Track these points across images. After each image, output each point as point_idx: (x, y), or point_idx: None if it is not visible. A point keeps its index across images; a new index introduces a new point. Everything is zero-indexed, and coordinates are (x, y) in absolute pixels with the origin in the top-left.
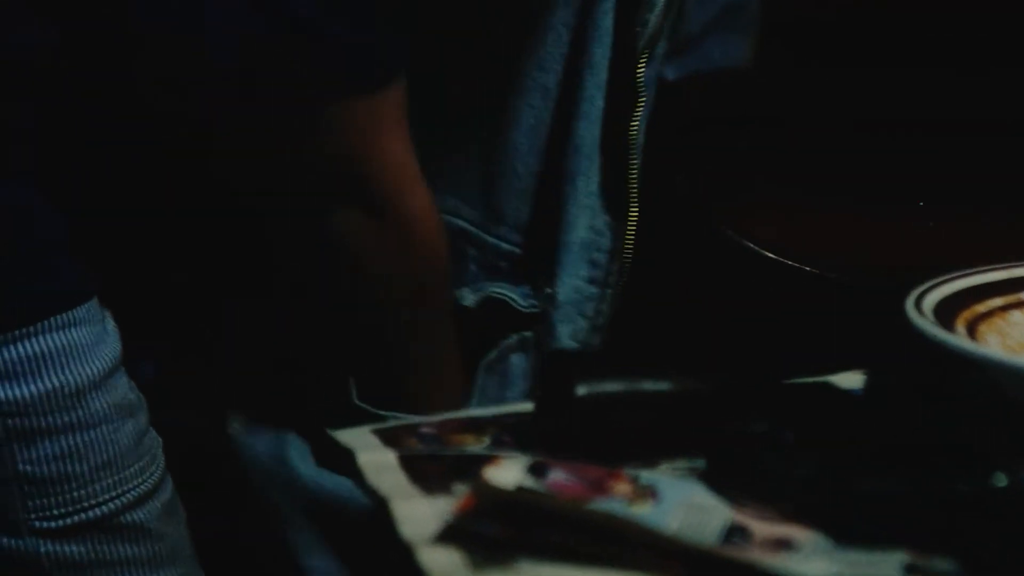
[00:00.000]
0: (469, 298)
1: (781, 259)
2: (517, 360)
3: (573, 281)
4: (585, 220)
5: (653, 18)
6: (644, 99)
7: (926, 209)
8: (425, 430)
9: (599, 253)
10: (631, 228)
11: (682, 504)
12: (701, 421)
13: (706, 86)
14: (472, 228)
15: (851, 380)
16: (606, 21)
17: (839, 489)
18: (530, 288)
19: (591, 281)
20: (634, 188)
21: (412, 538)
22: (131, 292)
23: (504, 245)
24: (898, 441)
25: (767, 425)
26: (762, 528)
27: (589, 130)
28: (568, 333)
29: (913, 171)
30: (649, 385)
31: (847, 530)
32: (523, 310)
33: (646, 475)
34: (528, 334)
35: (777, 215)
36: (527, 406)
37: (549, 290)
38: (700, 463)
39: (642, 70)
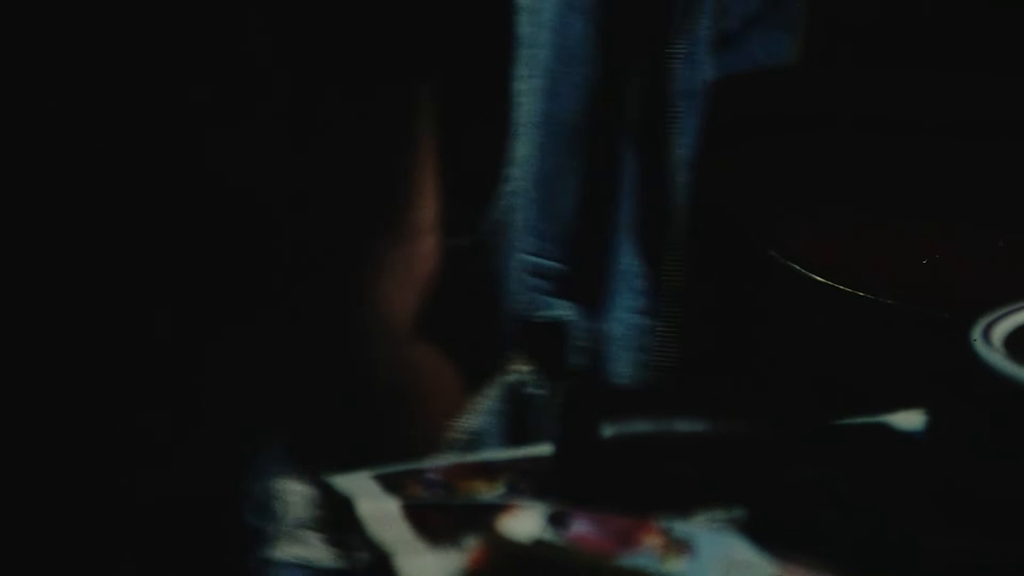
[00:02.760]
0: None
1: (831, 283)
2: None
3: (621, 314)
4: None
5: None
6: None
7: (996, 229)
8: (431, 475)
9: (639, 279)
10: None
11: (721, 560)
12: (741, 466)
13: (747, 86)
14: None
15: (910, 420)
16: None
17: (899, 546)
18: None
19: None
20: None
21: None
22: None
23: (546, 262)
24: (965, 491)
25: (816, 471)
26: None
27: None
28: (627, 371)
29: (981, 184)
30: (683, 425)
31: None
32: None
33: (680, 527)
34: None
35: (826, 234)
36: (545, 448)
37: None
38: (740, 514)
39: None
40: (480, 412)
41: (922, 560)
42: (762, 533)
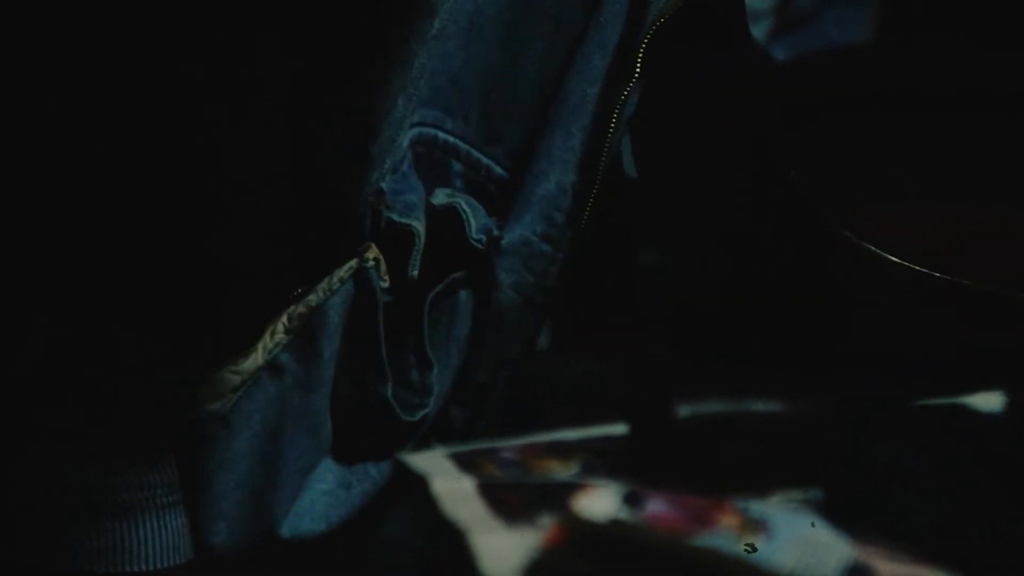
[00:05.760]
0: (439, 197)
1: (907, 264)
2: (465, 296)
3: (524, 233)
4: (555, 175)
5: None
6: (638, 74)
7: None
8: (505, 454)
9: (557, 212)
10: (591, 198)
11: (797, 540)
12: (818, 446)
13: (822, 66)
14: (460, 142)
15: (989, 401)
16: None
17: (979, 528)
18: (492, 223)
19: (544, 239)
20: (602, 158)
21: (494, 575)
22: None
23: (497, 168)
24: None
25: (893, 452)
26: (889, 568)
27: (580, 86)
28: (510, 283)
29: None
30: (758, 405)
31: None
32: (471, 240)
33: (756, 506)
34: (475, 272)
35: (903, 213)
36: (620, 427)
37: (496, 232)
38: (817, 493)
39: (644, 44)
40: (328, 288)
41: (999, 541)
42: (839, 513)
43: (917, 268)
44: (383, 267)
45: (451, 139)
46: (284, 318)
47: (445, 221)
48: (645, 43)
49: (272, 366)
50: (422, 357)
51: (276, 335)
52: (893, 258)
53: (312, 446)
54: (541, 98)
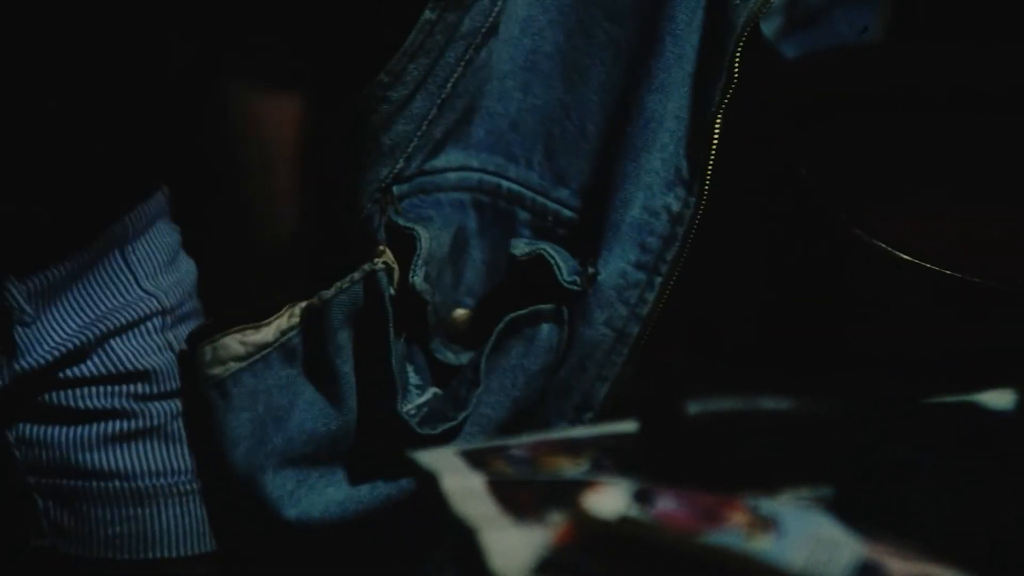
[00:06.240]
0: (520, 247)
1: (918, 262)
2: (548, 330)
3: (619, 264)
4: (641, 199)
5: None
6: (735, 83)
7: None
8: (516, 452)
9: (651, 237)
10: (698, 215)
11: (808, 537)
12: (828, 444)
13: (831, 64)
14: (525, 190)
15: (1001, 399)
16: None
17: (990, 525)
18: (578, 263)
19: (639, 266)
20: (708, 173)
21: (503, 572)
22: None
23: (565, 211)
24: None
25: (904, 449)
26: (899, 566)
27: (662, 104)
28: (603, 319)
29: None
30: (769, 403)
31: (1001, 574)
32: (564, 284)
33: (766, 504)
34: (565, 309)
35: (913, 211)
36: (630, 425)
37: (592, 270)
38: (827, 491)
39: (739, 51)
40: (341, 288)
41: (1009, 539)
42: (849, 511)
43: (928, 266)
44: (396, 274)
45: (515, 187)
46: (300, 305)
47: (531, 269)
48: (740, 48)
49: (285, 348)
50: (474, 374)
51: (292, 318)
52: (904, 256)
53: (323, 438)
54: (607, 125)
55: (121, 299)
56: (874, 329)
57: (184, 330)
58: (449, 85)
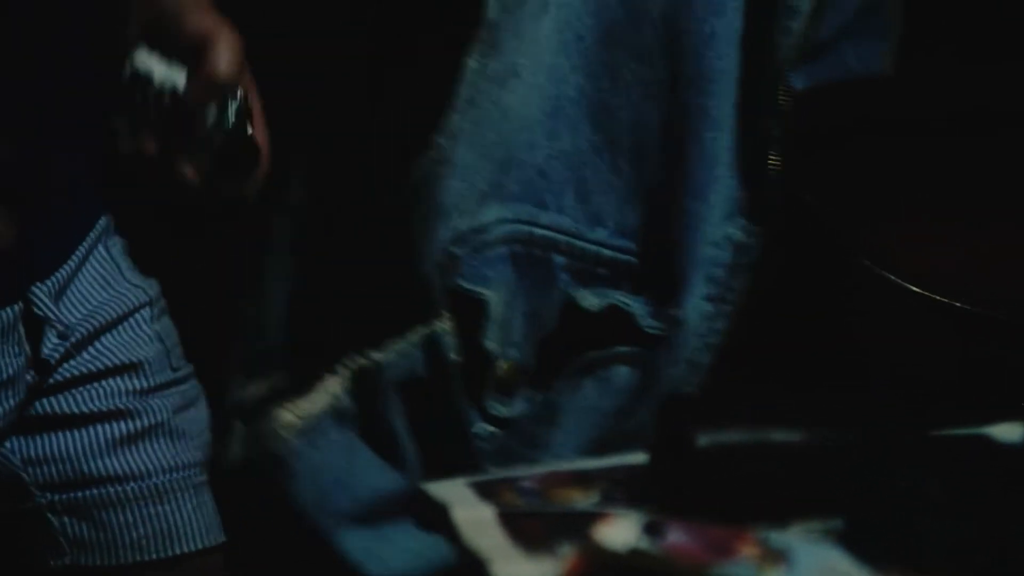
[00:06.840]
0: (590, 300)
1: (927, 293)
2: (624, 373)
3: (696, 301)
4: (705, 233)
5: (796, 26)
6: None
7: None
8: (526, 483)
9: (716, 268)
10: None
11: (818, 569)
12: (838, 476)
13: (839, 95)
14: (558, 235)
15: (1010, 432)
16: (726, 21)
17: (1000, 557)
18: (651, 305)
19: (709, 299)
20: (768, 201)
21: None
22: None
23: (605, 251)
24: None
25: (914, 481)
26: None
27: (719, 141)
28: (686, 356)
29: None
30: (778, 434)
31: None
32: (644, 330)
33: (776, 536)
34: (647, 351)
35: (921, 241)
36: (640, 457)
37: (674, 311)
38: (837, 523)
39: (784, 88)
40: (399, 351)
41: (1020, 570)
42: (860, 543)
43: (938, 298)
44: (456, 340)
45: (548, 233)
46: (350, 367)
47: (608, 319)
48: (783, 74)
49: (337, 411)
50: (550, 413)
51: (344, 381)
52: (913, 287)
53: (389, 494)
54: (644, 163)
55: (110, 291)
56: (882, 358)
57: (166, 323)
58: (487, 132)
